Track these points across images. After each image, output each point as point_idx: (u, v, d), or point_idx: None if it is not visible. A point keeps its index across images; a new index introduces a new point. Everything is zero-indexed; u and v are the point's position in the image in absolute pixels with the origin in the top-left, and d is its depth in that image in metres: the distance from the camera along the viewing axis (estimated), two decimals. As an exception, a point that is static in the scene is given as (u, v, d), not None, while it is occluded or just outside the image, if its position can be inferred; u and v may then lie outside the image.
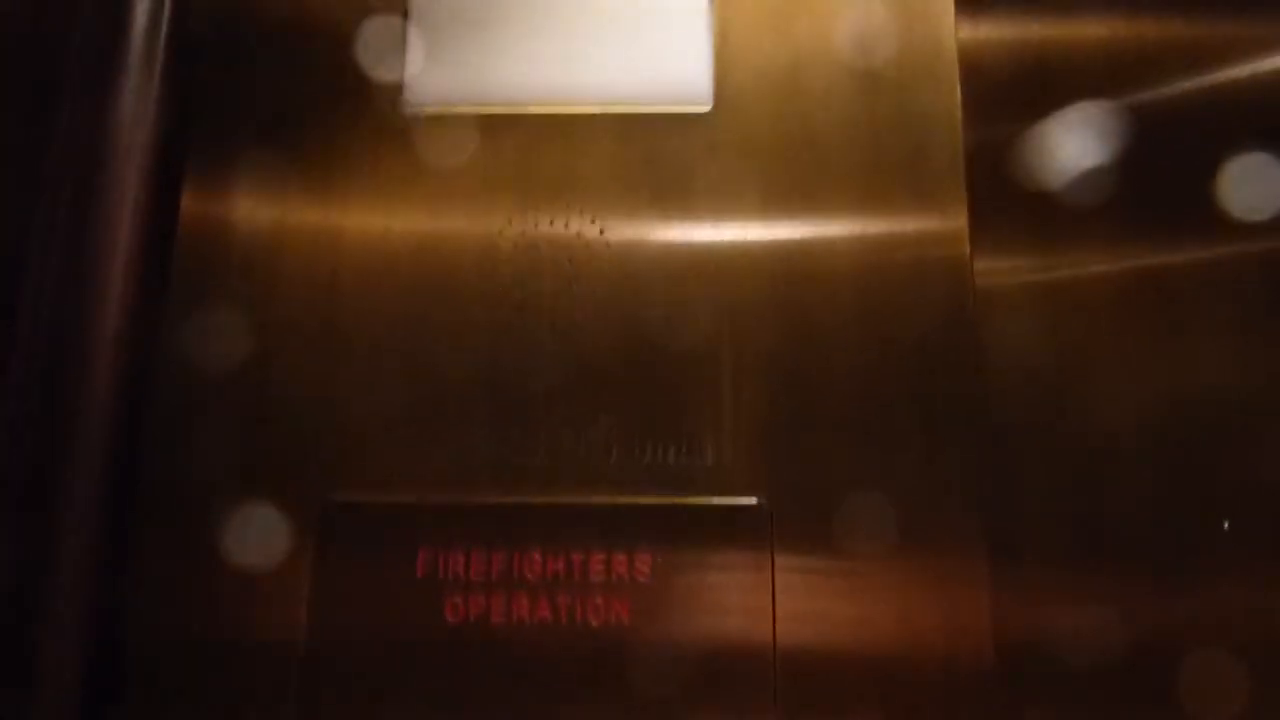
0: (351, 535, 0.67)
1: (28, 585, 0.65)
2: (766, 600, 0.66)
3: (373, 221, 0.73)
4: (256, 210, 0.74)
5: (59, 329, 0.69)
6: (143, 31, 0.73)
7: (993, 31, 0.80)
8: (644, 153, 0.73)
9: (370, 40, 0.76)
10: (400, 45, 0.75)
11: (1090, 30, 0.80)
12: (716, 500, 0.67)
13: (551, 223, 0.72)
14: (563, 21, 0.74)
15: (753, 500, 0.67)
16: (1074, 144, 0.77)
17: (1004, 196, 0.76)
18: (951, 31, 0.75)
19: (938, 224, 0.72)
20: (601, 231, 0.72)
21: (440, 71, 0.74)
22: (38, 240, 0.71)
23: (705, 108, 0.73)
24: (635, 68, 0.73)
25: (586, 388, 0.69)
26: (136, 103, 0.72)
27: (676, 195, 0.72)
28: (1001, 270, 0.75)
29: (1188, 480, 0.72)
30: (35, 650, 0.65)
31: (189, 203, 0.74)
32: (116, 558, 0.68)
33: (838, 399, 0.69)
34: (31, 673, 0.64)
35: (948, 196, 0.72)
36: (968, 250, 0.71)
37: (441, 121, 0.74)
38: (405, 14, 0.76)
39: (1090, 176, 0.76)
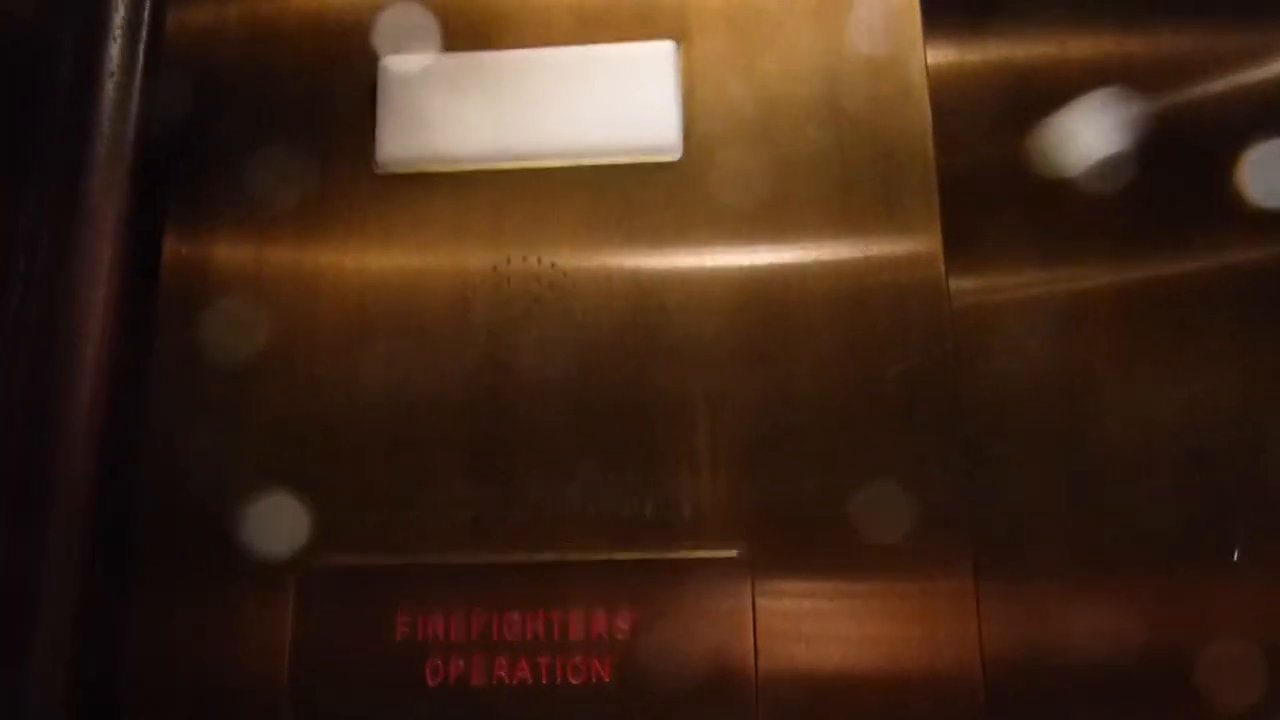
0: (328, 598, 0.67)
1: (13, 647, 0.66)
2: (749, 651, 0.65)
3: (347, 280, 0.74)
4: (232, 265, 0.75)
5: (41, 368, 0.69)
6: (117, 74, 0.74)
7: (963, 54, 0.81)
8: (614, 202, 0.73)
9: (341, 100, 0.77)
10: (370, 106, 0.76)
11: (1063, 49, 0.81)
12: (696, 554, 0.67)
13: (524, 277, 0.72)
14: (529, 79, 0.75)
15: (733, 552, 0.67)
16: (1049, 161, 0.77)
17: (978, 216, 0.76)
18: (921, 60, 0.75)
19: (911, 247, 0.71)
20: (574, 284, 0.72)
21: (410, 131, 0.74)
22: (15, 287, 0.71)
23: (674, 156, 0.73)
24: (603, 120, 0.73)
25: (561, 442, 0.69)
26: (109, 166, 0.73)
27: (647, 244, 0.72)
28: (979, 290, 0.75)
29: (1177, 499, 0.72)
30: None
31: (169, 253, 0.75)
32: (102, 616, 0.68)
33: (816, 439, 0.68)
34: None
35: (921, 220, 0.72)
36: (943, 271, 0.71)
37: (412, 180, 0.74)
38: (375, 76, 0.76)
39: (1066, 191, 0.77)
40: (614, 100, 0.74)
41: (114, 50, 0.73)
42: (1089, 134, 0.78)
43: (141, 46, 0.75)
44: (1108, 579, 0.70)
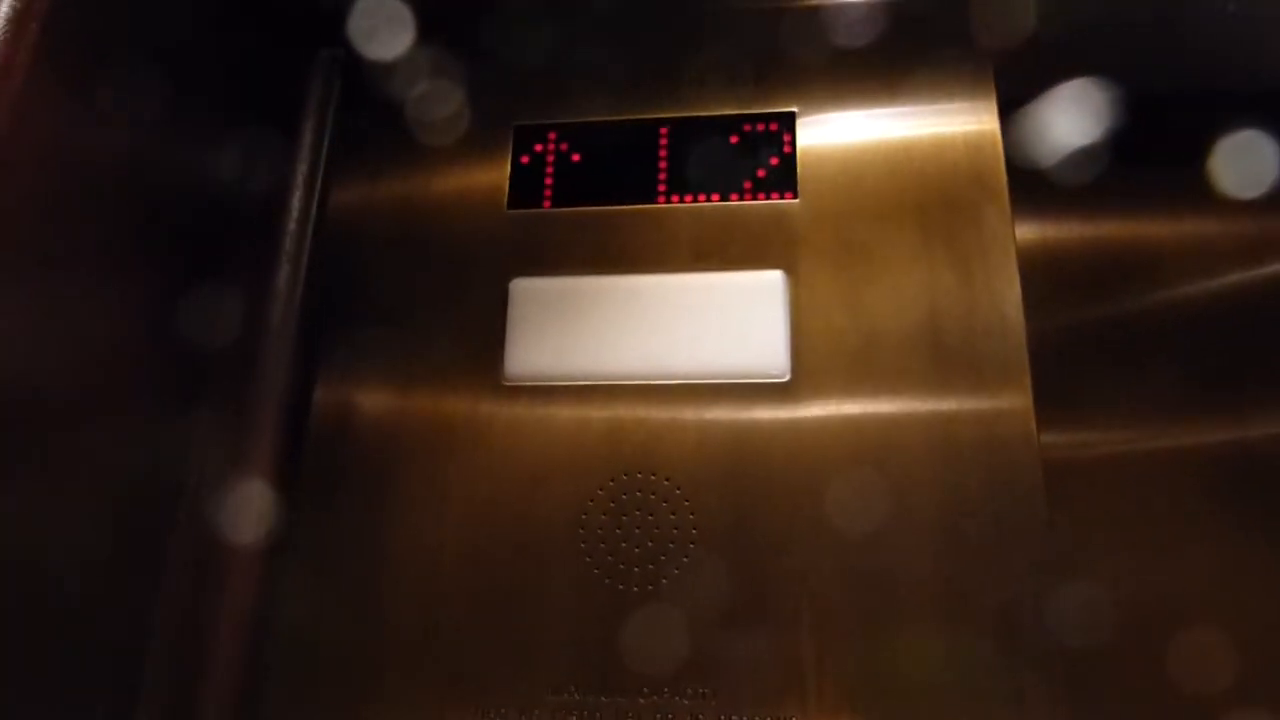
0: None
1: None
2: None
3: (473, 481, 0.79)
4: (369, 465, 0.81)
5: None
6: (290, 253, 0.84)
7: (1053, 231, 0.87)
8: (725, 418, 0.78)
9: (472, 322, 0.84)
10: (500, 324, 0.83)
11: (1143, 227, 0.86)
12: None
13: (638, 487, 0.77)
14: (648, 303, 0.81)
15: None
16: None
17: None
18: (1016, 286, 0.79)
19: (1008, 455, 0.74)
20: (686, 497, 0.76)
21: (536, 349, 0.81)
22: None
23: (784, 378, 0.78)
24: (716, 343, 0.79)
25: (675, 655, 0.72)
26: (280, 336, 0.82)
27: (758, 458, 0.77)
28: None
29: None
30: None
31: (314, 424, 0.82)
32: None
33: (923, 647, 0.71)
34: None
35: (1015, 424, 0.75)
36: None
37: (536, 392, 0.80)
38: (505, 300, 0.83)
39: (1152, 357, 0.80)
40: (727, 324, 0.80)
41: (289, 234, 0.84)
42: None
43: (310, 227, 0.85)
44: None
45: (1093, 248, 0.96)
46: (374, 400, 0.83)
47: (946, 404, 0.76)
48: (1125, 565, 0.81)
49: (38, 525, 0.65)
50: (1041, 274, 0.89)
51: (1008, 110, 0.87)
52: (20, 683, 0.64)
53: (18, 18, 0.57)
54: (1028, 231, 0.92)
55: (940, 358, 0.78)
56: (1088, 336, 0.92)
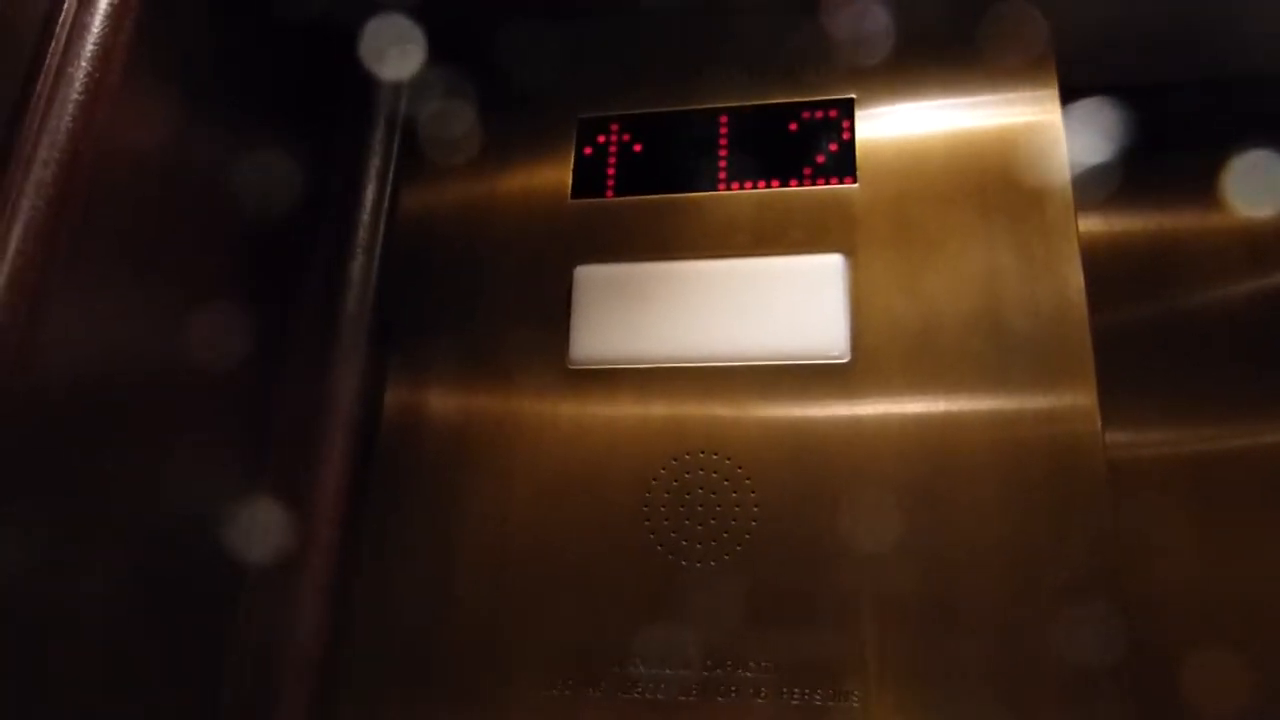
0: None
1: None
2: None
3: (540, 462, 0.81)
4: (439, 432, 0.85)
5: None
6: (361, 255, 0.88)
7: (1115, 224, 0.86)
8: (786, 399, 0.79)
9: (538, 310, 0.86)
10: (566, 311, 0.85)
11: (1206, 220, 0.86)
12: (867, 743, 0.70)
13: (701, 467, 0.78)
14: (710, 287, 0.83)
15: (901, 745, 0.69)
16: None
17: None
18: (1079, 276, 0.79)
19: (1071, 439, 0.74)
20: (748, 475, 0.77)
21: (600, 334, 0.83)
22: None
23: (844, 359, 0.79)
24: (777, 325, 0.80)
25: (736, 629, 0.73)
26: (353, 332, 0.85)
27: (818, 439, 0.78)
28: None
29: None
30: None
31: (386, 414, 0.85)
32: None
33: (982, 634, 0.71)
34: None
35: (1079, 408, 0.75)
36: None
37: (601, 375, 0.82)
38: (569, 283, 0.85)
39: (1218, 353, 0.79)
40: (787, 308, 0.81)
41: (361, 232, 0.87)
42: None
43: (382, 226, 0.88)
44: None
45: (1154, 240, 0.95)
46: (443, 389, 0.86)
47: (1008, 387, 0.77)
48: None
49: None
50: (1103, 267, 0.89)
51: (1070, 99, 0.87)
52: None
53: (115, 14, 0.61)
54: (1091, 224, 0.92)
55: (1001, 341, 0.78)
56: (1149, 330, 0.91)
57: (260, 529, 0.80)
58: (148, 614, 0.71)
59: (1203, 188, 0.95)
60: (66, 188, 0.58)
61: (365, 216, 0.90)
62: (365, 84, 0.94)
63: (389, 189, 0.92)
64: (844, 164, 0.86)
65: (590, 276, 0.85)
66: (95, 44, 0.61)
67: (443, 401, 0.85)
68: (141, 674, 0.70)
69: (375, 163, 0.93)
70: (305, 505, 0.82)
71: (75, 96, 0.59)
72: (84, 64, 0.60)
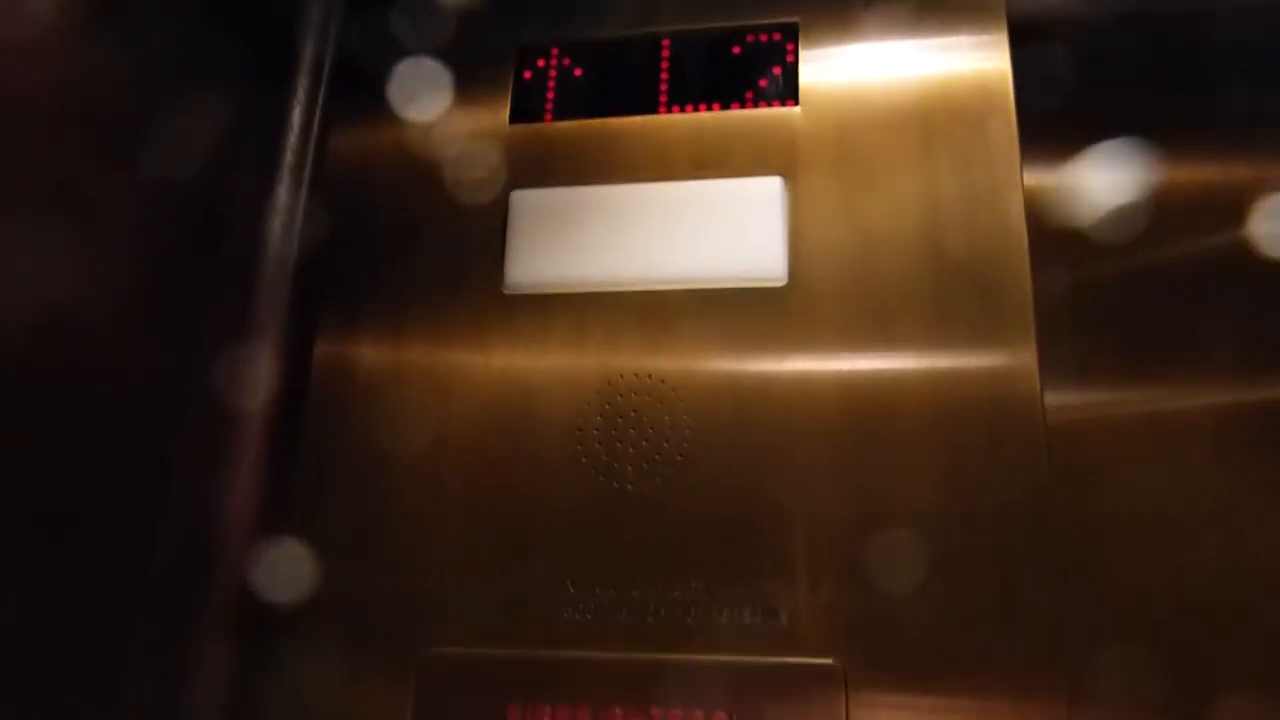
0: (447, 686, 0.72)
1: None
2: (842, 760, 0.67)
3: (474, 389, 0.80)
4: (371, 369, 0.83)
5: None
6: (284, 213, 0.85)
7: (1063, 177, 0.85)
8: (721, 322, 0.78)
9: (474, 225, 0.85)
10: (501, 232, 0.83)
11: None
12: (792, 660, 0.70)
13: (634, 390, 0.78)
14: (646, 211, 0.81)
15: (828, 660, 0.69)
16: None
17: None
18: (1019, 195, 0.78)
19: (1007, 361, 0.74)
20: (681, 398, 0.77)
21: (536, 259, 0.82)
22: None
23: (780, 282, 0.78)
24: (714, 249, 0.79)
25: (667, 549, 0.73)
26: (274, 286, 0.83)
27: (752, 361, 0.77)
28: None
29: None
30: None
31: (318, 356, 0.84)
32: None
33: (911, 555, 0.71)
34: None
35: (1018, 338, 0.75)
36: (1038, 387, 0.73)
37: (536, 300, 0.81)
38: (505, 210, 0.84)
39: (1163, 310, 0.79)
40: (725, 231, 0.80)
41: (281, 191, 0.85)
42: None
43: (305, 182, 0.86)
44: (1204, 706, 0.70)
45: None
46: (378, 318, 0.85)
47: (944, 312, 0.76)
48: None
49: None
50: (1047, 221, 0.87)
51: (1019, 29, 0.85)
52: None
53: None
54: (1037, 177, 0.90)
55: (939, 265, 0.77)
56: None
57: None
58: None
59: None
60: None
61: (294, 133, 0.88)
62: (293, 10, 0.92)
63: (319, 109, 0.90)
64: (787, 88, 0.85)
65: (526, 201, 0.84)
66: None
67: (377, 328, 0.84)
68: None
69: (300, 97, 0.90)
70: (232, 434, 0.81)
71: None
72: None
